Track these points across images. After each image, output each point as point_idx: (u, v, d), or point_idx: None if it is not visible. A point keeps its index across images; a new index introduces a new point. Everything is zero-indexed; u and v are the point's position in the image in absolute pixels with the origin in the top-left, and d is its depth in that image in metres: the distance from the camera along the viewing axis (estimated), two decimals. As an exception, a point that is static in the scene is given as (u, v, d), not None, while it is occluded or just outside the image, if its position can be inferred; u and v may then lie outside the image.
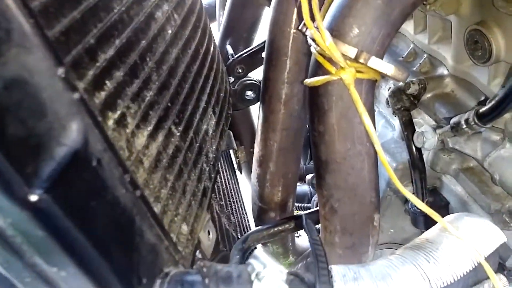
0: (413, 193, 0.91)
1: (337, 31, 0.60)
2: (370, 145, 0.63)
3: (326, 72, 0.62)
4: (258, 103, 0.97)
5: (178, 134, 0.60)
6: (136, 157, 0.47)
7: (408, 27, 1.01)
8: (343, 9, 0.60)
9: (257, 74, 1.06)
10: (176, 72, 0.65)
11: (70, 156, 0.35)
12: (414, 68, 0.98)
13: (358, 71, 0.60)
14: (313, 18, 0.61)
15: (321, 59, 0.62)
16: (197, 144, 0.67)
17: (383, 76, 0.62)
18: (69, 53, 0.40)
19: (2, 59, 0.31)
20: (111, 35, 0.48)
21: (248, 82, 1.06)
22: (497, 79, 0.77)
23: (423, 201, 0.80)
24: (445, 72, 0.91)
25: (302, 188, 1.49)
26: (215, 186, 0.92)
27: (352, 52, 0.58)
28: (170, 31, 0.66)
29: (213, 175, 0.72)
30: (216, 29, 1.59)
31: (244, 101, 1.08)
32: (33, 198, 0.32)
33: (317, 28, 0.60)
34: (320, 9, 0.64)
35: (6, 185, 0.31)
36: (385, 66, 0.58)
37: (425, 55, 0.97)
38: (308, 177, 1.39)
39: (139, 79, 0.53)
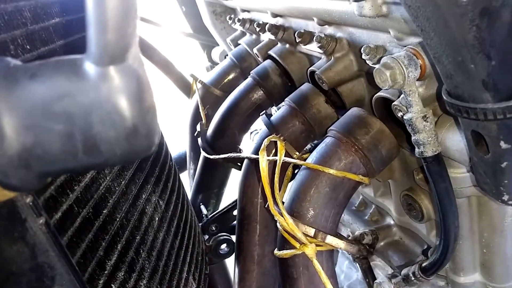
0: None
1: (296, 213, 0.74)
2: (335, 307, 0.73)
3: (291, 246, 0.74)
4: (233, 257, 1.06)
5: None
6: None
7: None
8: (299, 194, 0.75)
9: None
10: (163, 253, 0.75)
11: None
12: (366, 217, 1.13)
13: (317, 245, 0.72)
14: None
15: (286, 235, 0.74)
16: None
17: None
18: (86, 272, 0.50)
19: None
20: (114, 243, 0.59)
21: (221, 238, 1.16)
22: (433, 231, 0.91)
23: None
24: (392, 221, 1.06)
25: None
26: None
27: (310, 231, 0.71)
28: (157, 218, 0.77)
29: None
30: (187, 178, 1.76)
31: (219, 256, 1.16)
32: None
33: (279, 210, 0.74)
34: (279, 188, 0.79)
35: None
36: (338, 242, 0.71)
37: (374, 206, 1.13)
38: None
39: (135, 273, 0.62)
